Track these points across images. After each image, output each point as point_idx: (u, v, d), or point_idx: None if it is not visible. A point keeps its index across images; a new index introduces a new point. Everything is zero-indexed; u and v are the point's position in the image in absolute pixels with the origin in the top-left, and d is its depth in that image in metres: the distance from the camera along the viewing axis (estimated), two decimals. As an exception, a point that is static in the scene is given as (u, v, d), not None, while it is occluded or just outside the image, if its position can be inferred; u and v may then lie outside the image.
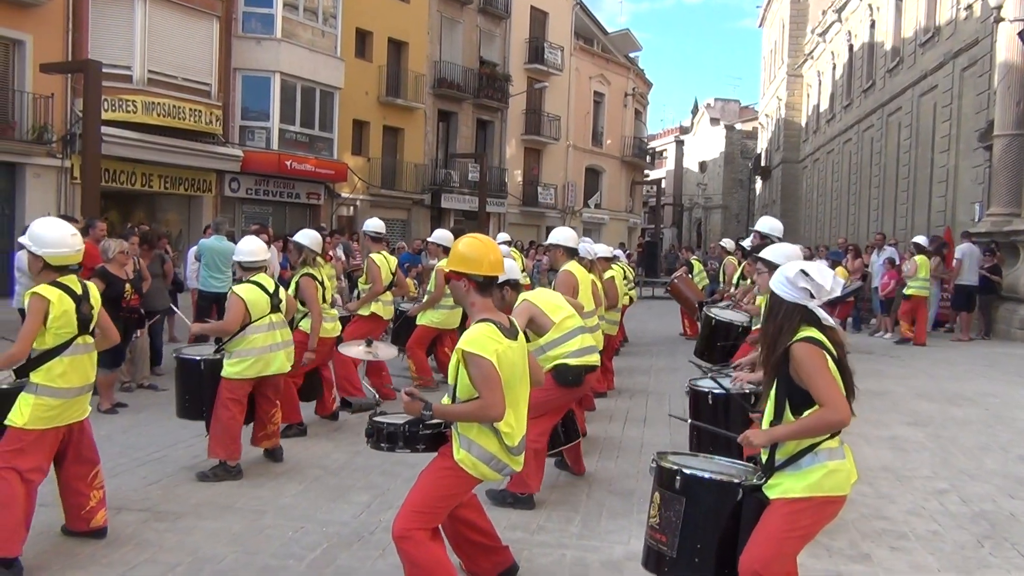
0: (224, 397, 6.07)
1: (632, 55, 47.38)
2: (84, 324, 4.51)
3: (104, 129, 14.90)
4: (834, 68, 37.27)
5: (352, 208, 28.19)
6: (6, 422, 4.29)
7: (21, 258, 9.04)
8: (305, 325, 7.36)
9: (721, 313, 7.96)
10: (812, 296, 3.31)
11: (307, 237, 7.71)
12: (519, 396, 3.81)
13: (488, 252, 3.84)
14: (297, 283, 7.44)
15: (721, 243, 16.13)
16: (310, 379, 7.65)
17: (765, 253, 5.20)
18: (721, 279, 14.22)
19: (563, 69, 38.58)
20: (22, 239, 4.61)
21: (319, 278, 7.52)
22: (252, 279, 6.35)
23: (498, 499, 5.42)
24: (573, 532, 5.04)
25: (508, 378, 3.67)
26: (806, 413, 3.25)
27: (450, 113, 32.71)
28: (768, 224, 7.31)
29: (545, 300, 5.70)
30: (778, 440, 3.29)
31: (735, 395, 5.10)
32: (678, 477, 3.45)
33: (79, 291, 4.51)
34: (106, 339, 4.85)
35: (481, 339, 3.63)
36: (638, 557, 4.56)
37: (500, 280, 4.93)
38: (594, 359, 5.74)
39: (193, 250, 11.49)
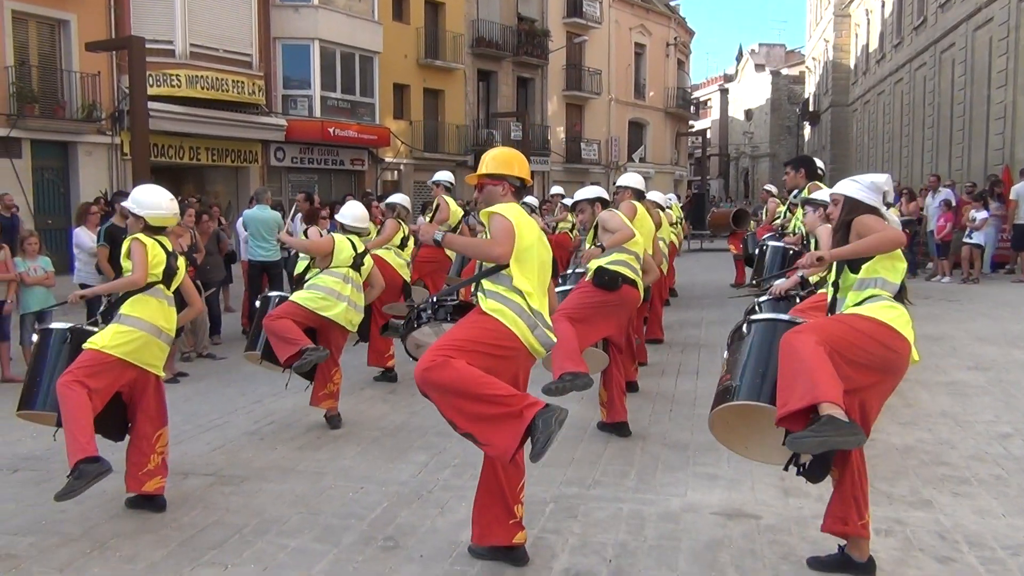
0: (278, 311, 6.30)
1: (673, 3, 46.34)
2: (168, 276, 4.89)
3: (150, 104, 15.10)
4: (883, 5, 36.02)
5: (396, 172, 28.28)
6: (86, 344, 4.60)
7: (80, 235, 9.28)
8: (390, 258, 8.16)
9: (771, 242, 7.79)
10: (885, 198, 3.72)
11: (397, 198, 8.97)
12: (538, 272, 3.91)
13: (520, 159, 4.12)
14: (384, 223, 8.45)
15: (764, 188, 15.91)
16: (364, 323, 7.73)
17: (825, 192, 5.45)
18: (763, 218, 14.10)
19: (602, 22, 37.93)
20: (125, 203, 5.06)
21: (405, 228, 8.53)
22: (350, 236, 6.79)
23: (556, 387, 5.30)
24: (629, 486, 5.07)
25: (526, 246, 3.82)
26: (864, 267, 3.64)
27: (490, 72, 32.45)
28: (830, 192, 7.20)
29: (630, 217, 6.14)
30: (839, 257, 3.64)
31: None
32: (746, 324, 3.95)
33: (170, 249, 4.96)
34: (192, 308, 5.35)
35: (504, 207, 3.89)
36: (695, 509, 4.60)
37: (592, 197, 6.00)
38: (637, 279, 5.99)
39: (240, 221, 11.67)
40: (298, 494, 5.05)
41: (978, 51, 23.93)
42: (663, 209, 10.08)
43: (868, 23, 39.29)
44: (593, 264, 5.93)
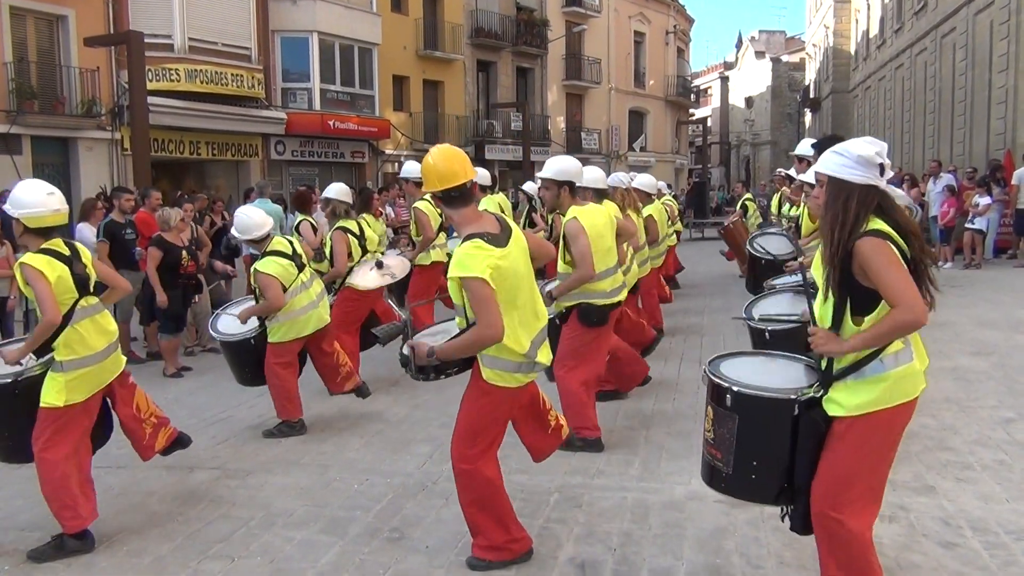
0: (272, 364, 6.22)
1: (672, -9, 46.20)
2: (82, 285, 4.34)
3: (150, 99, 15.09)
4: (883, -9, 35.92)
5: (396, 164, 28.23)
6: (42, 405, 4.20)
7: (83, 231, 9.29)
8: (351, 281, 7.43)
9: (766, 243, 7.72)
10: (883, 172, 2.97)
11: (333, 190, 7.88)
12: (525, 295, 3.74)
13: (439, 164, 3.66)
14: (330, 238, 7.54)
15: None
16: (364, 333, 7.74)
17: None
18: (776, 211, 14.00)
19: (601, 10, 37.81)
20: (4, 206, 4.45)
21: (353, 231, 7.61)
22: (269, 250, 6.28)
23: (569, 444, 5.35)
24: (633, 475, 5.08)
25: (511, 284, 3.61)
26: (868, 318, 2.95)
27: (489, 63, 32.37)
28: (806, 146, 7.09)
29: (592, 224, 5.40)
30: (845, 353, 2.98)
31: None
32: (728, 396, 3.23)
33: (67, 252, 4.32)
34: (115, 290, 4.77)
35: (468, 259, 3.51)
36: (699, 497, 4.61)
37: (560, 180, 5.30)
38: (621, 297, 5.71)
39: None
40: (303, 487, 5.07)
41: (979, 35, 23.84)
42: (651, 197, 9.25)
43: (868, 8, 39.12)
44: (566, 302, 5.53)
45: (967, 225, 15.32)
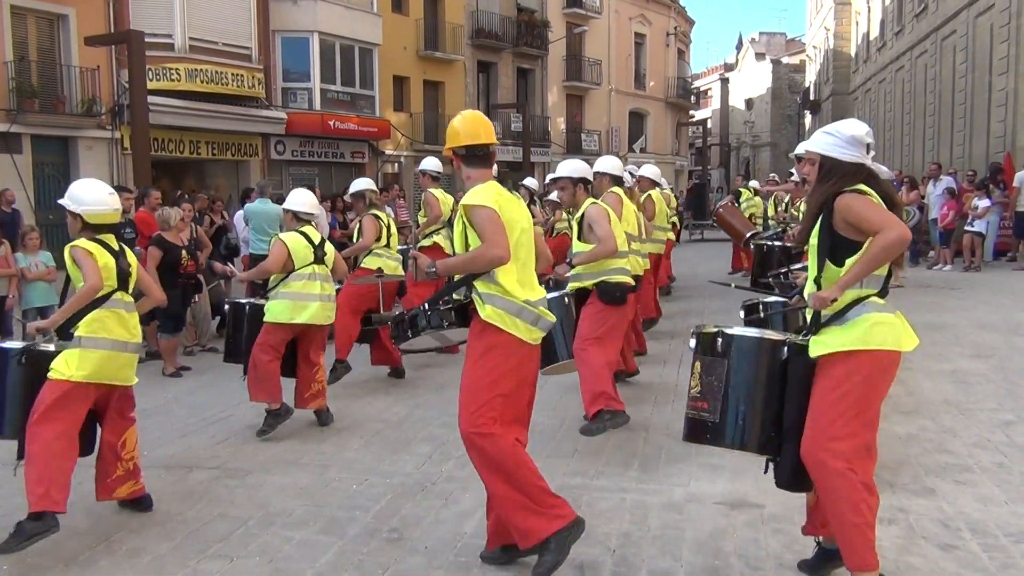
0: (261, 340, 6.24)
1: (672, -8, 46.23)
2: (123, 279, 4.53)
3: (150, 99, 15.08)
4: (884, -7, 35.93)
5: (396, 165, 28.24)
6: (50, 375, 4.26)
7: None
8: (368, 262, 7.64)
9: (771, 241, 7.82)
10: (869, 149, 3.22)
11: (362, 183, 8.17)
12: (524, 254, 3.74)
13: (467, 123, 3.80)
14: (360, 222, 7.84)
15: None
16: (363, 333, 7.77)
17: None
18: (773, 211, 14.00)
19: (602, 12, 37.84)
20: (62, 200, 4.58)
21: (384, 220, 7.87)
22: (299, 229, 6.43)
23: (596, 427, 5.37)
24: (632, 476, 5.08)
25: (513, 235, 3.62)
26: (849, 260, 3.19)
27: (489, 64, 32.39)
28: (804, 148, 7.12)
29: (611, 212, 5.81)
30: (845, 287, 3.18)
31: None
32: (719, 339, 3.37)
33: (116, 248, 4.57)
34: (150, 299, 4.86)
35: (482, 192, 3.63)
36: (698, 499, 4.61)
37: (576, 177, 5.56)
38: (640, 269, 6.03)
39: (240, 214, 11.65)
40: (302, 487, 5.07)
41: (979, 38, 23.85)
42: (659, 187, 9.43)
43: (869, 11, 39.14)
44: (587, 282, 5.74)
45: (966, 228, 15.33)
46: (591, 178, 5.93)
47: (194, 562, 4.05)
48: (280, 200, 14.48)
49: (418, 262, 3.73)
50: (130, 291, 4.61)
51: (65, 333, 4.42)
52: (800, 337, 3.35)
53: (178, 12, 20.40)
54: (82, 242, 4.44)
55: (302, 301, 6.23)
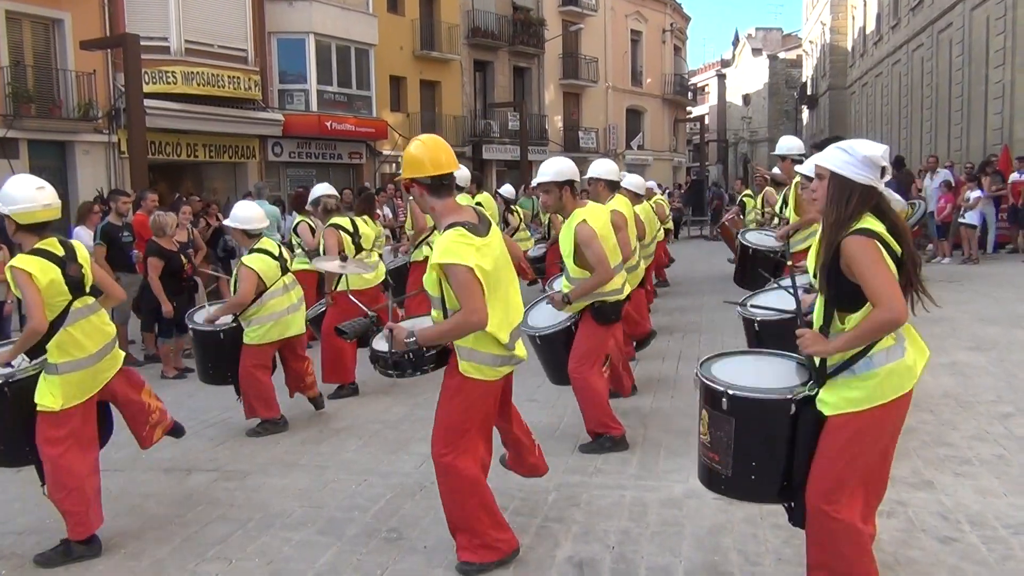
0: (248, 366, 6.22)
1: (668, -11, 46.19)
2: (76, 286, 4.19)
3: (147, 102, 15.09)
4: (880, -13, 35.91)
5: (394, 165, 28.21)
6: (39, 409, 4.11)
7: (80, 234, 9.28)
8: (316, 263, 7.20)
9: (756, 239, 7.73)
10: (884, 173, 3.00)
11: (319, 189, 8.01)
12: (507, 286, 3.76)
13: (431, 151, 3.66)
14: (323, 235, 7.58)
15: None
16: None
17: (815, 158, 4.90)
18: (762, 209, 13.96)
19: (598, 9, 37.80)
20: None
21: (346, 227, 7.57)
22: (257, 247, 6.34)
23: (595, 448, 5.42)
24: (631, 473, 5.07)
25: (492, 275, 3.60)
26: (853, 317, 3.00)
27: (486, 63, 32.35)
28: (786, 144, 7.05)
29: (598, 225, 5.36)
30: (831, 354, 3.03)
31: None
32: (724, 399, 3.22)
33: (62, 252, 4.17)
34: (109, 297, 4.55)
35: (453, 247, 3.51)
36: (697, 495, 4.60)
37: (561, 181, 5.15)
38: (626, 293, 5.76)
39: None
40: (301, 488, 5.07)
41: (976, 31, 23.85)
42: (640, 197, 9.03)
43: (865, 5, 39.14)
44: (583, 302, 5.43)
45: (960, 220, 15.32)
46: (577, 178, 5.39)
47: (193, 564, 4.05)
48: (277, 202, 14.55)
49: (395, 335, 3.65)
50: (87, 290, 4.30)
51: (37, 353, 4.16)
52: (807, 388, 3.17)
53: (173, 15, 20.35)
54: (20, 260, 4.04)
55: (287, 316, 6.28)
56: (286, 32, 23.56)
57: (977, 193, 15.18)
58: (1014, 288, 11.95)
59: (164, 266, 8.30)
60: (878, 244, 2.93)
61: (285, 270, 6.40)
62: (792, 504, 3.27)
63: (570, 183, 5.30)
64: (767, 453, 3.21)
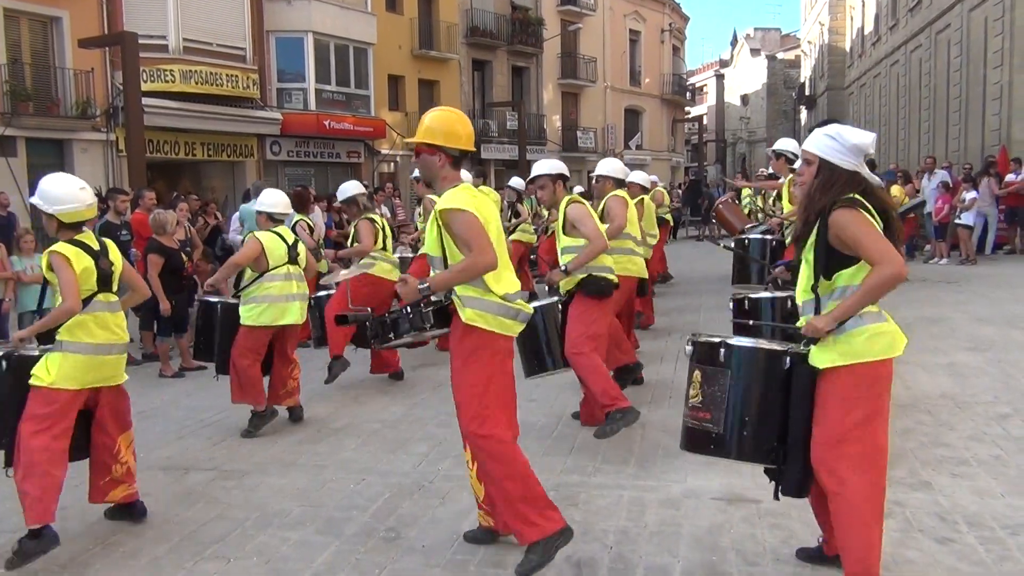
0: (241, 345, 6.24)
1: (667, -11, 46.21)
2: (104, 280, 4.34)
3: (145, 100, 15.06)
4: (878, -12, 35.94)
5: (393, 164, 28.21)
6: (31, 381, 4.16)
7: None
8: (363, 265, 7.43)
9: (751, 233, 7.82)
10: (864, 154, 3.16)
11: (351, 187, 7.99)
12: (501, 250, 3.77)
13: (467, 126, 3.81)
14: (356, 227, 7.70)
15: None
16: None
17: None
18: (761, 204, 13.95)
19: (596, 9, 37.81)
20: (33, 200, 4.38)
21: (379, 223, 7.77)
22: (273, 229, 6.44)
23: (608, 429, 5.36)
24: (629, 473, 5.07)
25: (492, 228, 3.66)
26: (841, 274, 3.15)
27: (484, 62, 32.35)
28: (784, 144, 7.18)
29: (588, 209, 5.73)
30: (844, 318, 3.13)
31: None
32: (721, 349, 3.32)
33: (96, 247, 4.36)
34: (135, 294, 4.76)
35: (457, 196, 3.63)
36: (695, 494, 4.61)
37: (554, 174, 5.58)
38: (632, 270, 6.14)
39: (236, 215, 11.66)
40: (299, 487, 5.07)
41: (974, 31, 23.88)
42: (647, 190, 9.43)
43: (863, 5, 39.18)
44: (573, 279, 5.63)
45: (956, 221, 15.33)
46: (567, 175, 5.91)
47: (191, 563, 4.05)
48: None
49: (408, 283, 3.65)
50: (114, 289, 4.44)
51: (48, 337, 4.27)
52: (800, 346, 3.27)
53: (172, 13, 20.35)
54: (60, 247, 4.25)
55: (284, 303, 6.27)
56: (284, 31, 23.55)
57: (973, 194, 15.19)
58: (1011, 289, 11.97)
59: (164, 264, 8.30)
60: (863, 212, 3.12)
61: (293, 260, 6.41)
62: (782, 472, 3.33)
63: (562, 177, 5.84)
64: (760, 407, 3.30)
